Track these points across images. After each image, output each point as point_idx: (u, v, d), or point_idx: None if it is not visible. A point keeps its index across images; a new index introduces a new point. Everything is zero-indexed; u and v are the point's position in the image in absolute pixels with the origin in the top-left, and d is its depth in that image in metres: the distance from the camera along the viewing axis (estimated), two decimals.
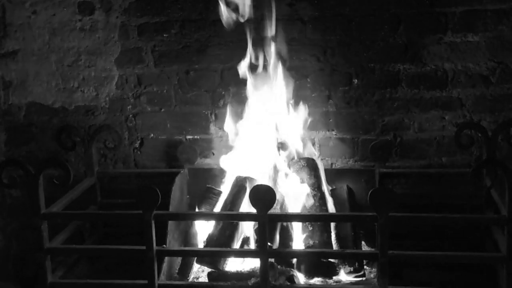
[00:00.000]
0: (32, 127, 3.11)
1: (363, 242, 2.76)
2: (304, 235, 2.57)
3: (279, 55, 2.83)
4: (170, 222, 2.54)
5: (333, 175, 2.86)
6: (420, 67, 2.88)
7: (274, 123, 2.81)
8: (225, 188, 2.77)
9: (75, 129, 2.91)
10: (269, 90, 2.83)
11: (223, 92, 2.98)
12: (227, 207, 2.62)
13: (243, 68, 2.82)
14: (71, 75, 3.06)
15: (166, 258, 2.50)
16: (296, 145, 2.81)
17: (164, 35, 2.97)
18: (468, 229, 2.83)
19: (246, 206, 2.59)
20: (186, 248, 2.64)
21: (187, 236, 2.73)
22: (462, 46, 2.85)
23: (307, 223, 2.56)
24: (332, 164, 2.97)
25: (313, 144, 2.96)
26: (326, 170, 2.84)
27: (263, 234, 2.25)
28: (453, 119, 2.91)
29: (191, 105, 3.02)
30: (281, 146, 2.79)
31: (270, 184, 2.57)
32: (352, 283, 2.49)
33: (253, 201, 2.22)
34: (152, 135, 3.07)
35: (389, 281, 2.23)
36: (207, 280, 2.51)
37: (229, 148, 2.90)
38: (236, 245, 2.57)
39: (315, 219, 2.51)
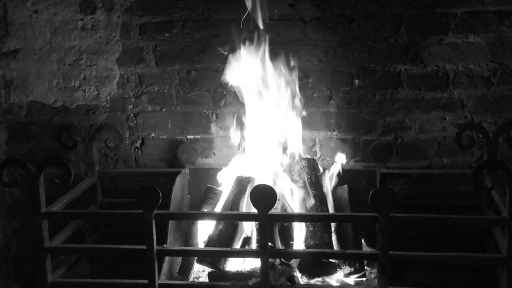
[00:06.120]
0: (33, 126, 3.11)
1: (363, 243, 2.76)
2: (305, 235, 2.57)
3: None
4: (170, 222, 2.54)
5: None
6: (421, 68, 2.88)
7: (275, 123, 2.82)
8: (226, 188, 2.77)
9: (76, 128, 2.91)
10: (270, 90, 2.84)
11: (224, 92, 2.98)
12: (228, 207, 2.62)
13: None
14: (72, 74, 3.06)
15: (167, 258, 2.50)
16: (297, 145, 2.81)
17: (166, 34, 2.97)
18: (468, 230, 2.83)
19: (245, 206, 2.60)
20: (187, 248, 2.64)
21: (187, 235, 2.73)
22: (463, 47, 2.85)
23: (307, 223, 2.56)
24: (333, 164, 2.97)
25: (314, 144, 2.97)
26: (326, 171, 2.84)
27: (264, 234, 2.25)
28: (454, 120, 2.91)
29: (192, 104, 3.02)
30: (282, 146, 2.79)
31: (271, 184, 2.57)
32: (352, 284, 2.49)
33: (254, 201, 2.22)
34: (153, 134, 3.07)
35: (389, 281, 2.24)
36: (207, 280, 2.52)
37: (230, 148, 2.91)
38: (237, 245, 2.57)
39: (316, 219, 2.50)
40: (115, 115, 3.07)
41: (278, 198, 2.31)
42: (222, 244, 2.52)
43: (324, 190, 2.71)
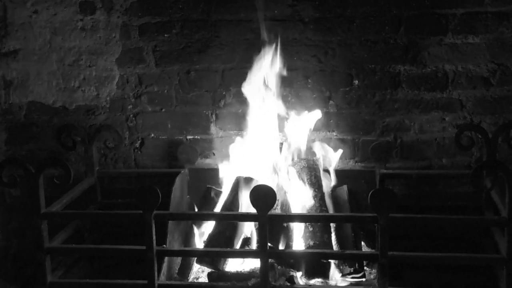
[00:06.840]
0: (32, 127, 3.11)
1: (363, 243, 2.75)
2: (304, 236, 2.57)
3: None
4: (170, 222, 2.54)
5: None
6: (420, 69, 2.89)
7: (276, 123, 2.82)
8: (225, 188, 2.77)
9: (75, 128, 2.90)
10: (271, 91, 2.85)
11: (224, 92, 2.99)
12: (228, 207, 2.62)
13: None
14: (72, 74, 3.06)
15: (166, 258, 2.50)
16: (298, 145, 2.81)
17: (165, 35, 2.97)
18: (468, 230, 2.83)
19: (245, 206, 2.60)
20: (186, 248, 2.64)
21: (187, 236, 2.73)
22: (463, 47, 2.86)
23: (307, 223, 2.56)
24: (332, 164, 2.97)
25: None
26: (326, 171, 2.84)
27: (263, 235, 2.25)
28: (454, 120, 2.91)
29: (191, 105, 3.02)
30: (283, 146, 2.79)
31: (270, 184, 2.57)
32: (352, 284, 2.49)
33: (254, 201, 2.22)
34: (152, 135, 3.07)
35: (389, 282, 2.23)
36: (207, 281, 2.51)
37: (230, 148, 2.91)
38: (236, 245, 2.57)
39: (316, 219, 2.50)
40: (114, 115, 3.07)
41: (277, 198, 2.30)
42: (222, 244, 2.52)
43: (324, 190, 2.71)
